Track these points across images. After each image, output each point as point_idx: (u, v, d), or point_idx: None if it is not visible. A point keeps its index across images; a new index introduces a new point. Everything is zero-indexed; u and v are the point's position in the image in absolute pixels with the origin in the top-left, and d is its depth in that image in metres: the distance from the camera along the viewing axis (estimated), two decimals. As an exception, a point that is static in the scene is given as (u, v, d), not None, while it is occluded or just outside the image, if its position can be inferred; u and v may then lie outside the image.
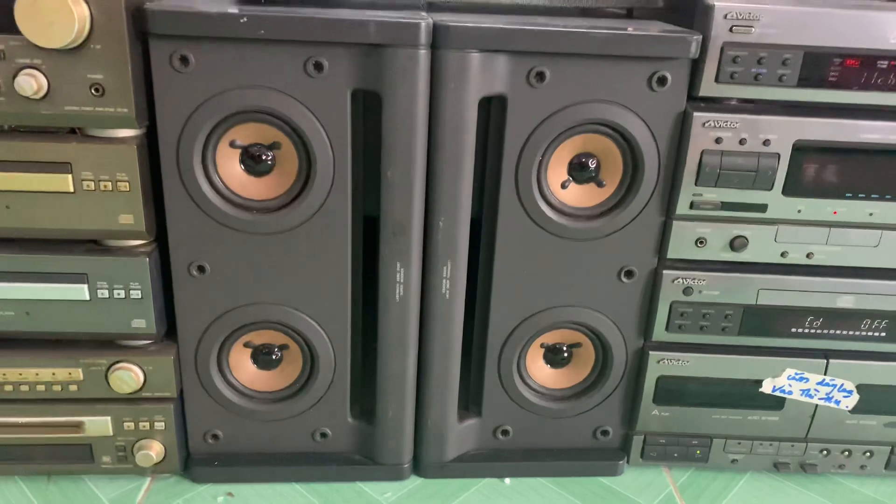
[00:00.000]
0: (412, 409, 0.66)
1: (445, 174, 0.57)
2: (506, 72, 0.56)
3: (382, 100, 0.55)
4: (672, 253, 0.62)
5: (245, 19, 0.51)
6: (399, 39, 0.53)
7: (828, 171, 0.59)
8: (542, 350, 0.67)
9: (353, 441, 0.68)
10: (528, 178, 0.59)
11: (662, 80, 0.57)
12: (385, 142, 0.56)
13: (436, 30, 0.53)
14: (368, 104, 0.57)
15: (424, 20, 0.53)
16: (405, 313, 0.61)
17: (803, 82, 0.57)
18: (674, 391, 0.66)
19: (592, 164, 0.60)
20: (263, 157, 0.57)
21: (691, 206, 0.60)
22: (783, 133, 0.58)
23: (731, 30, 0.55)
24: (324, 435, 0.67)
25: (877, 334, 0.64)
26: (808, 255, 0.62)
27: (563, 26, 0.55)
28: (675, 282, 0.63)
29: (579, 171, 0.61)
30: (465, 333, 0.65)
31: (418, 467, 0.69)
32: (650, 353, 0.65)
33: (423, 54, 0.54)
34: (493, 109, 0.58)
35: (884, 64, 0.57)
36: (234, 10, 0.52)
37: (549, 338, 0.66)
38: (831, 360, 0.65)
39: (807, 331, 0.64)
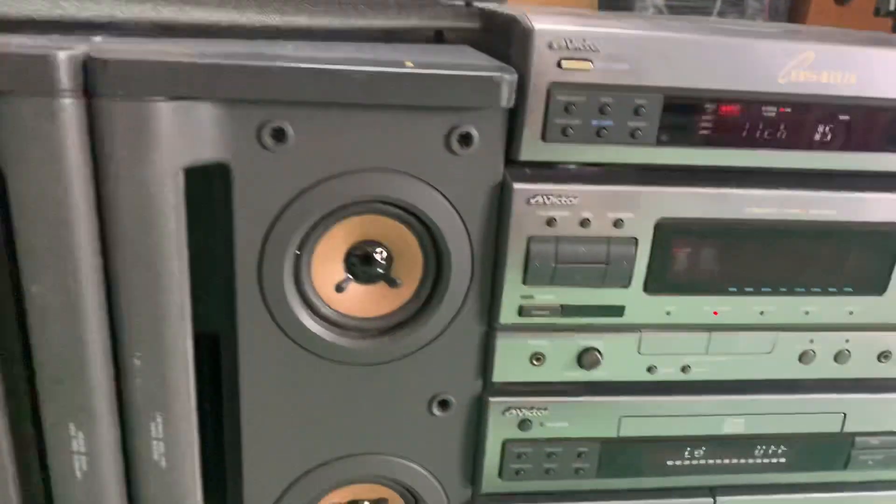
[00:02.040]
0: None
1: (132, 288, 0.36)
2: (222, 128, 0.36)
3: (4, 175, 0.34)
4: (500, 375, 0.44)
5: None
6: (22, 83, 0.32)
7: (704, 258, 0.43)
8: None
9: None
10: (279, 282, 0.40)
11: (466, 139, 0.39)
12: (20, 239, 0.35)
13: (88, 66, 0.33)
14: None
15: (67, 51, 0.33)
16: (96, 495, 0.40)
17: (665, 138, 0.40)
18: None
19: (379, 257, 0.42)
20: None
21: (520, 311, 0.42)
22: (641, 209, 0.41)
23: (559, 65, 0.38)
24: None
25: (774, 461, 0.49)
26: (684, 369, 0.45)
27: (310, 60, 0.36)
28: (507, 413, 0.45)
29: (361, 265, 0.42)
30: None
31: None
32: (482, 506, 0.47)
33: (70, 105, 0.33)
34: (214, 181, 0.38)
35: (772, 111, 0.41)
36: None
37: (339, 497, 0.47)
38: (719, 499, 0.49)
39: (687, 464, 0.48)
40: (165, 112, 0.34)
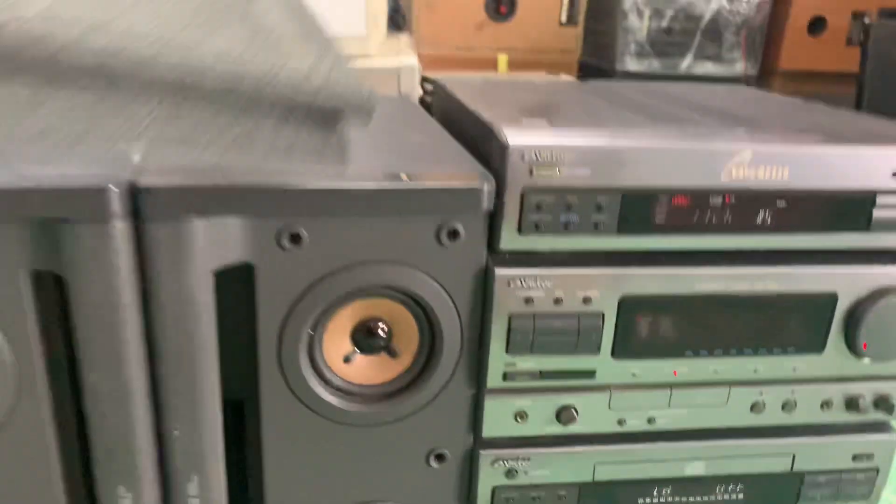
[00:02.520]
0: None
1: (171, 373, 0.43)
2: (246, 235, 0.43)
3: (68, 286, 0.40)
4: (489, 431, 0.50)
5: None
6: (79, 212, 0.39)
7: (662, 328, 0.49)
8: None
9: None
10: (295, 358, 0.46)
11: (454, 234, 0.45)
12: (78, 336, 0.41)
13: (135, 193, 0.40)
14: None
15: (115, 181, 0.39)
16: (143, 548, 0.47)
17: (624, 228, 0.46)
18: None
19: (381, 332, 0.48)
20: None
21: (505, 376, 0.48)
22: (606, 288, 0.47)
23: (531, 172, 0.44)
24: None
25: (733, 498, 0.55)
26: (650, 421, 0.52)
27: (321, 177, 0.42)
28: (496, 464, 0.51)
29: (366, 339, 0.48)
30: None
31: None
32: (475, 542, 0.53)
33: (120, 227, 0.40)
34: (239, 276, 0.45)
35: (717, 201, 0.47)
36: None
37: (349, 538, 0.54)
38: (685, 531, 0.56)
39: (655, 503, 0.54)
40: (199, 227, 0.40)
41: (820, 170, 0.47)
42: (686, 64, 1.50)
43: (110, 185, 0.38)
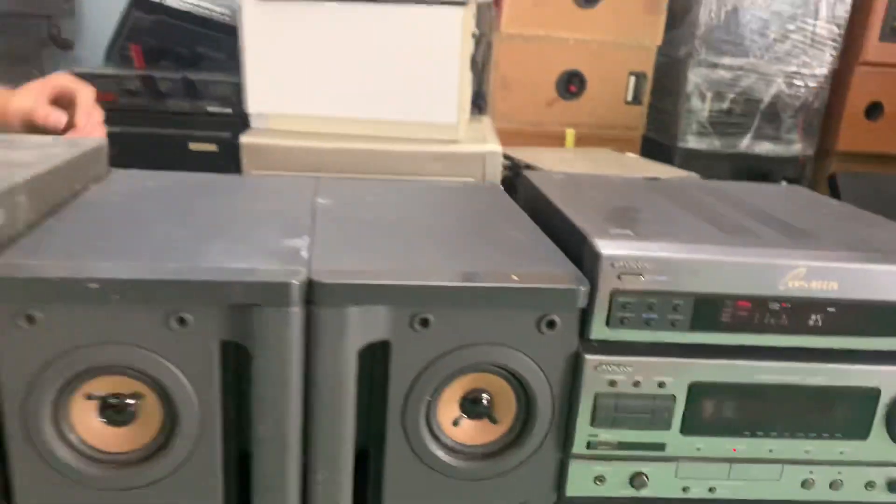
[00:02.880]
0: None
1: (321, 427, 0.53)
2: (388, 319, 0.53)
3: (252, 355, 0.51)
4: (571, 490, 0.59)
5: (96, 285, 0.48)
6: (268, 300, 0.50)
7: (725, 410, 0.57)
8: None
9: None
10: (416, 418, 0.56)
11: (552, 324, 0.55)
12: (255, 395, 0.52)
13: (310, 285, 0.51)
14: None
15: (296, 276, 0.50)
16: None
17: (696, 326, 0.55)
18: None
19: (485, 401, 0.57)
20: (126, 406, 0.53)
21: (588, 445, 0.57)
22: (678, 375, 0.56)
23: (619, 278, 0.54)
24: None
25: (785, 564, 0.62)
26: (711, 490, 0.59)
27: (449, 275, 0.53)
28: (576, 519, 0.60)
29: (472, 407, 0.58)
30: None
31: None
32: (554, 586, 0.61)
33: (296, 311, 0.51)
34: (376, 352, 0.55)
35: (775, 306, 0.56)
36: (83, 271, 0.49)
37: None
38: (740, 591, 0.63)
39: (713, 563, 0.62)
40: (355, 312, 0.51)
41: (866, 284, 0.55)
42: (745, 143, 1.58)
43: (293, 281, 0.50)
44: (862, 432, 0.58)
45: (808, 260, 0.55)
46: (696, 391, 0.56)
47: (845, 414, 0.58)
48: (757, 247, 0.57)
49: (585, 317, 0.55)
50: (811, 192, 0.84)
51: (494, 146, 1.03)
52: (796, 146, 1.61)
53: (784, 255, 0.55)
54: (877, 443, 0.59)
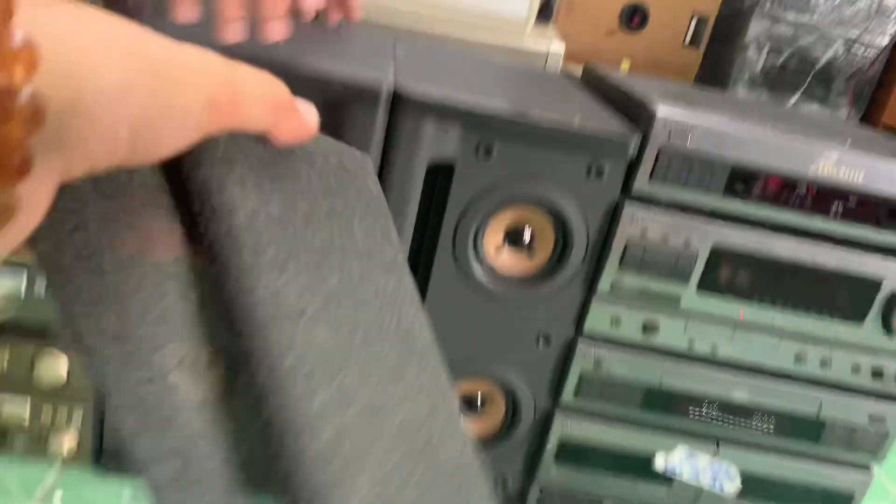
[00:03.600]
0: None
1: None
2: (457, 140, 0.59)
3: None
4: (589, 327, 0.66)
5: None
6: (358, 99, 0.56)
7: (740, 276, 0.64)
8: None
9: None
10: (465, 241, 0.63)
11: (600, 172, 0.61)
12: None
13: (395, 93, 0.57)
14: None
15: (385, 83, 0.56)
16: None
17: (728, 193, 0.61)
18: (574, 453, 0.70)
19: (527, 235, 0.64)
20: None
21: (611, 288, 0.64)
22: (703, 235, 0.62)
23: (668, 137, 0.59)
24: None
25: (765, 427, 0.69)
26: (713, 348, 0.66)
27: (518, 111, 0.59)
28: (588, 353, 0.67)
29: (514, 239, 0.64)
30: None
31: None
32: (557, 414, 0.69)
33: (381, 112, 0.57)
34: (438, 176, 0.62)
35: (802, 188, 0.61)
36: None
37: (463, 389, 0.70)
38: (721, 446, 0.70)
39: (702, 416, 0.69)
40: (429, 124, 0.57)
41: (890, 179, 0.61)
42: (793, 101, 1.60)
43: (383, 84, 0.56)
44: (858, 318, 0.65)
45: (841, 149, 0.60)
46: (717, 253, 0.63)
47: (847, 298, 0.64)
48: (796, 133, 0.62)
49: (631, 169, 0.61)
50: (860, 126, 0.88)
51: (559, 45, 1.08)
52: (843, 111, 1.64)
53: (819, 144, 0.61)
54: (870, 330, 0.65)
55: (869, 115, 1.66)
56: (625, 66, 1.55)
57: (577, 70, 1.14)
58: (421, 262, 0.65)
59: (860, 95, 1.61)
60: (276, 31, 0.59)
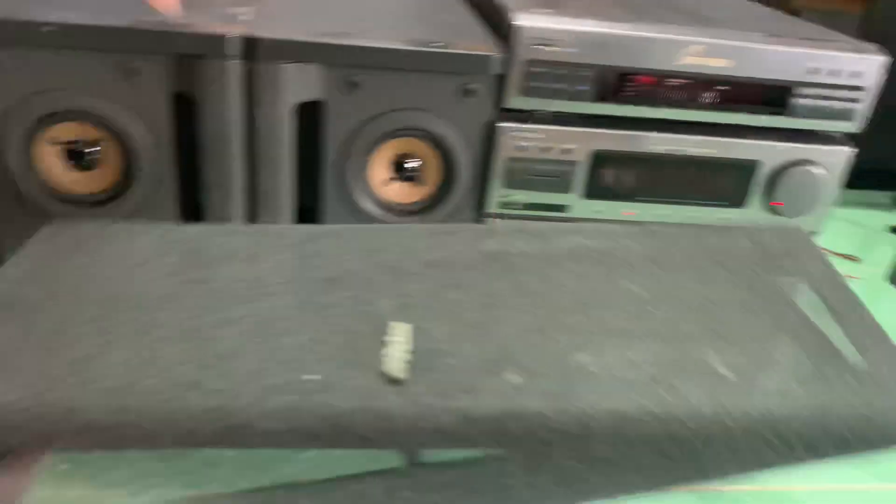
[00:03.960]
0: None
1: (263, 174, 0.60)
2: (321, 80, 0.58)
3: (198, 104, 0.57)
4: (486, 246, 0.68)
5: (53, 28, 0.52)
6: (209, 51, 0.55)
7: (622, 177, 0.65)
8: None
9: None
10: (352, 176, 0.63)
11: (471, 92, 0.60)
12: (202, 143, 0.58)
13: (247, 42, 0.55)
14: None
15: (232, 34, 0.55)
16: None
17: (599, 97, 0.61)
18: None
19: (413, 165, 0.64)
20: (85, 152, 0.59)
21: (501, 206, 0.65)
22: (581, 143, 0.63)
23: (533, 48, 0.59)
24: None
25: (668, 316, 0.72)
26: (608, 250, 0.69)
27: (376, 40, 0.58)
28: (490, 271, 0.69)
29: (401, 170, 0.65)
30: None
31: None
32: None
33: (235, 65, 0.55)
34: (313, 116, 0.61)
35: (672, 82, 0.62)
36: (38, 16, 0.53)
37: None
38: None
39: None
40: (291, 70, 0.56)
41: (758, 63, 0.61)
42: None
43: (230, 34, 0.54)
44: (739, 200, 0.67)
45: (707, 38, 0.60)
46: (598, 159, 0.63)
47: (728, 184, 0.66)
48: (660, 24, 0.62)
49: (502, 86, 0.61)
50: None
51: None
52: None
53: (684, 33, 0.61)
54: (753, 211, 0.67)
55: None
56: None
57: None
58: (315, 199, 0.66)
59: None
60: None
